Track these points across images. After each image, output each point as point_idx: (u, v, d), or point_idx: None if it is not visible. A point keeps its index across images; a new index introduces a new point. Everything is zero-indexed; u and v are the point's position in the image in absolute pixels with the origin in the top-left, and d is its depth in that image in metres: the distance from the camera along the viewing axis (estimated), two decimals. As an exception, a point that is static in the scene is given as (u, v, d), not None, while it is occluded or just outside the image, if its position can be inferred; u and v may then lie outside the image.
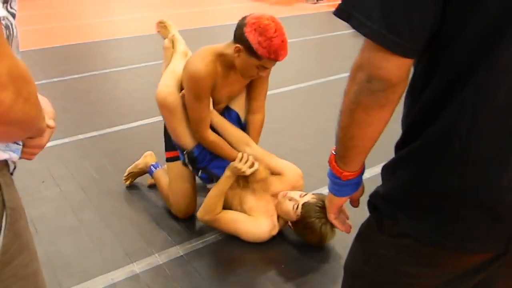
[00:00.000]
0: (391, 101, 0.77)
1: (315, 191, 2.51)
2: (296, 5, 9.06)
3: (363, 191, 1.02)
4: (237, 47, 1.89)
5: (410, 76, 0.79)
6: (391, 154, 0.89)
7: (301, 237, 2.04)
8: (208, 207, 2.07)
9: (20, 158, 0.77)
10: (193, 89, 1.99)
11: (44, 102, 0.84)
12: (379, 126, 0.81)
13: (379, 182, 0.92)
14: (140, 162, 2.57)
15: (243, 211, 2.11)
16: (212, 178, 2.21)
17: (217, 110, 2.21)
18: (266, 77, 2.16)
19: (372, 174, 2.46)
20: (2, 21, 0.58)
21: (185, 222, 2.27)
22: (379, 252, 0.90)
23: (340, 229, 1.10)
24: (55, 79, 4.52)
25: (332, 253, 2.04)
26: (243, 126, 2.30)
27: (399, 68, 0.72)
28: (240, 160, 2.04)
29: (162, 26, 2.62)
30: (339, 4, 0.76)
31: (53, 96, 4.04)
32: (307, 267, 1.97)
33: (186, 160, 2.20)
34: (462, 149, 0.74)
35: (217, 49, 2.00)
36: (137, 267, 1.96)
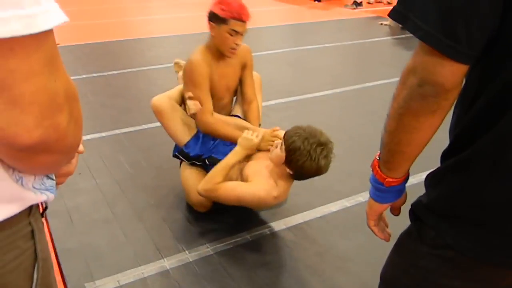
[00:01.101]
0: (443, 107, 0.74)
1: (348, 198, 2.48)
2: (333, 9, 8.98)
3: (405, 199, 0.99)
4: (209, 25, 2.22)
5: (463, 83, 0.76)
6: (435, 163, 0.86)
7: (299, 174, 1.96)
8: (210, 176, 2.07)
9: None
10: (191, 77, 2.24)
11: None
12: (428, 132, 0.79)
13: (420, 191, 0.89)
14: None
15: (242, 179, 2.13)
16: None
17: (219, 109, 2.41)
18: (250, 65, 2.46)
19: (414, 183, 2.38)
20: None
21: (216, 221, 2.28)
22: (420, 263, 0.87)
23: (380, 237, 1.07)
24: (94, 74, 4.63)
25: (364, 258, 2.00)
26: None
27: (453, 74, 0.70)
28: (247, 134, 2.14)
29: (177, 65, 3.09)
30: (395, 6, 0.74)
31: (92, 91, 4.15)
32: (335, 269, 1.93)
33: (180, 155, 2.40)
34: None
35: (204, 44, 2.31)
36: (168, 263, 1.98)
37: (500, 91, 0.71)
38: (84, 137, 3.19)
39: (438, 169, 0.84)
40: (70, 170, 0.75)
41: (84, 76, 4.56)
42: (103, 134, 3.28)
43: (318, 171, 1.94)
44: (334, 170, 2.51)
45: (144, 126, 3.42)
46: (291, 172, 1.97)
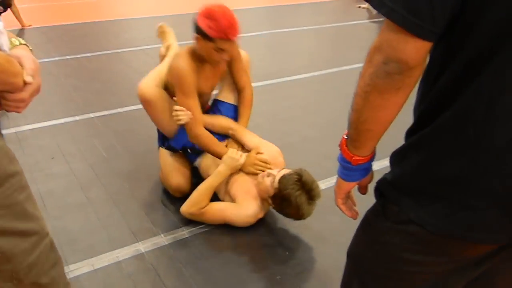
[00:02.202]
0: (407, 84, 0.75)
1: (324, 181, 2.51)
2: (312, -8, 8.94)
3: (372, 178, 1.00)
4: (195, 36, 2.09)
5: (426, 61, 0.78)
6: (390, 148, 0.88)
7: (280, 212, 2.02)
8: (195, 199, 2.07)
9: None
10: (180, 87, 2.15)
11: (26, 59, 0.88)
12: (393, 110, 0.80)
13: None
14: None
15: (229, 199, 2.14)
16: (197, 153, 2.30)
17: (204, 103, 2.36)
18: (238, 57, 2.34)
19: (381, 167, 2.42)
20: None
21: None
22: (383, 238, 0.89)
23: (347, 215, 1.09)
24: (68, 57, 4.52)
25: (337, 239, 2.03)
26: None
27: (417, 51, 0.71)
28: (232, 153, 2.13)
29: (161, 32, 2.86)
30: None
31: (65, 74, 4.06)
32: (303, 249, 1.97)
33: (165, 143, 2.38)
34: (476, 136, 0.73)
35: (189, 47, 2.18)
36: (143, 246, 1.97)
37: (461, 68, 0.73)
38: (57, 121, 3.15)
39: (402, 146, 0.86)
40: (22, 97, 0.87)
41: (57, 58, 4.45)
42: (77, 117, 3.22)
43: (297, 219, 2.00)
44: (310, 152, 2.53)
45: (119, 110, 3.37)
46: (272, 205, 2.03)
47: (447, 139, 0.76)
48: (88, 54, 4.64)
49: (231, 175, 2.16)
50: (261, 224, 2.14)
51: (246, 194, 2.09)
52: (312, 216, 2.22)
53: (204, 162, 2.29)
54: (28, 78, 0.86)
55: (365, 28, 6.22)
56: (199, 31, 2.05)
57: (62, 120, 3.17)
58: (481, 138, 0.73)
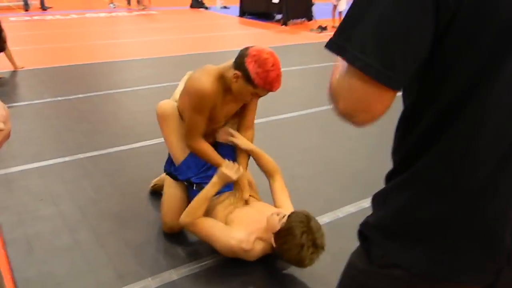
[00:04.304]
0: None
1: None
2: (300, 33, 9.20)
3: None
4: (236, 73, 2.05)
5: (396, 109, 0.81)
6: (379, 187, 0.90)
7: (281, 252, 1.97)
8: (190, 209, 2.11)
9: None
10: (196, 103, 2.12)
11: None
12: None
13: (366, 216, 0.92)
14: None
15: (225, 222, 2.13)
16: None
17: (214, 130, 2.35)
18: (256, 100, 2.33)
19: (358, 208, 2.46)
20: None
21: (181, 245, 2.26)
22: (369, 283, 0.89)
23: None
24: (59, 98, 4.56)
25: (322, 280, 2.02)
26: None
27: (389, 101, 0.72)
28: (227, 167, 2.16)
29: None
30: (331, 38, 0.75)
31: (57, 115, 4.08)
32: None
33: (172, 170, 2.37)
34: (454, 179, 0.75)
35: (219, 70, 2.15)
36: (130, 290, 1.94)
37: (436, 116, 0.76)
38: (47, 162, 3.14)
39: (383, 189, 0.88)
40: None
41: (48, 99, 4.48)
42: (67, 158, 3.22)
43: (298, 264, 1.97)
44: (298, 190, 2.54)
45: (109, 150, 3.38)
46: (274, 245, 2.00)
47: (426, 183, 0.78)
48: (80, 95, 4.69)
49: (237, 206, 2.18)
50: (254, 270, 2.13)
51: (241, 223, 2.08)
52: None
53: (213, 204, 2.23)
54: (4, 126, 0.85)
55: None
56: (244, 72, 2.01)
57: (52, 161, 3.16)
58: (460, 181, 0.75)
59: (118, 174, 3.01)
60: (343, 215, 2.54)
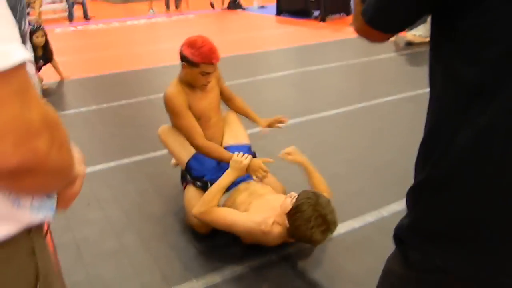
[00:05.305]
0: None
1: (356, 219, 2.45)
2: (338, 29, 9.05)
3: None
4: (182, 64, 2.36)
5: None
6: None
7: (293, 231, 1.97)
8: (205, 198, 2.14)
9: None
10: (172, 108, 2.39)
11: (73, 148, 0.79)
12: None
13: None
14: None
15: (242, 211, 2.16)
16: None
17: (213, 124, 2.55)
18: (221, 81, 2.65)
19: (405, 207, 2.33)
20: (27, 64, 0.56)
21: (224, 248, 2.27)
22: None
23: None
24: (104, 105, 4.71)
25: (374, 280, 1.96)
26: (253, 154, 2.59)
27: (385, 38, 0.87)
28: (237, 155, 2.24)
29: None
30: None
31: (102, 122, 4.22)
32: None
33: (185, 172, 2.52)
34: (496, 176, 0.70)
35: (177, 77, 2.46)
36: (175, 292, 1.97)
37: (469, 97, 0.72)
38: (93, 168, 3.25)
39: (414, 186, 0.83)
40: (75, 191, 0.78)
41: (94, 107, 4.64)
42: (112, 163, 3.31)
43: (310, 241, 1.97)
44: (339, 190, 2.49)
45: (153, 154, 3.45)
46: (287, 225, 2.00)
47: (465, 180, 0.73)
48: (123, 102, 4.82)
49: (254, 198, 2.20)
50: (294, 266, 2.11)
51: (258, 209, 2.12)
52: (346, 257, 2.17)
53: (230, 200, 2.28)
54: (82, 169, 0.78)
55: (392, 61, 6.21)
56: (184, 59, 2.33)
57: (99, 167, 3.27)
58: (499, 179, 0.70)
59: (160, 177, 3.07)
60: (387, 214, 2.47)
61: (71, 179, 0.73)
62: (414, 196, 0.83)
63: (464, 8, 0.69)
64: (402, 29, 0.83)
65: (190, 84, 2.42)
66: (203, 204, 2.13)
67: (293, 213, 1.96)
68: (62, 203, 0.76)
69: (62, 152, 0.59)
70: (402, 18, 0.81)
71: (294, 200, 2.00)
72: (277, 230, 2.03)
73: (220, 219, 2.10)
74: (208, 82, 2.39)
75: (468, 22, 0.69)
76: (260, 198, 2.22)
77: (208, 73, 2.33)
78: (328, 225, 1.92)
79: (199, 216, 2.14)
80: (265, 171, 2.25)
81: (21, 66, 0.53)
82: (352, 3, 0.90)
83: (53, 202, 0.72)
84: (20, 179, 0.57)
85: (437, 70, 0.78)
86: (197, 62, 2.28)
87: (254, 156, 2.55)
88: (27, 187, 0.61)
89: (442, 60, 0.76)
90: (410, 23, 0.81)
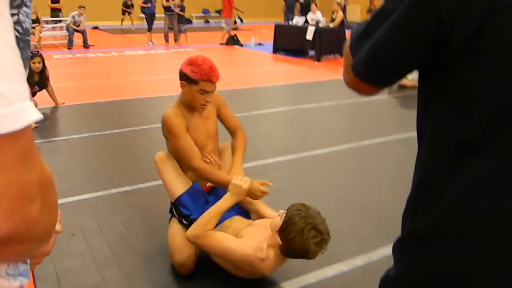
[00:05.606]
0: None
1: (347, 261, 2.41)
2: (333, 69, 9.22)
3: None
4: (181, 83, 2.35)
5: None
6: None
7: (286, 244, 1.92)
8: (200, 222, 2.07)
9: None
10: (170, 129, 2.36)
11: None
12: None
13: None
14: None
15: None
16: None
17: (208, 154, 2.46)
18: (223, 104, 2.60)
19: (386, 254, 2.32)
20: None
21: (210, 285, 2.20)
22: None
23: None
24: (96, 133, 4.69)
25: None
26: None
27: (375, 91, 0.86)
28: (236, 179, 2.18)
29: None
30: (352, 41, 0.85)
31: (93, 150, 4.19)
32: None
33: (173, 208, 2.45)
34: (482, 232, 0.70)
35: (176, 101, 2.46)
36: (155, 332, 1.89)
37: (455, 151, 0.72)
38: (80, 197, 3.19)
39: (401, 238, 0.83)
40: (48, 250, 0.74)
41: (86, 134, 4.62)
42: (99, 193, 3.26)
43: (305, 253, 1.92)
44: (330, 230, 2.44)
45: (141, 185, 3.41)
46: (280, 243, 1.95)
47: (450, 235, 0.72)
48: (116, 130, 4.81)
49: (243, 228, 2.16)
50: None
51: (250, 236, 2.07)
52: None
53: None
54: (59, 227, 0.73)
55: (384, 102, 6.29)
56: (184, 77, 2.32)
57: (85, 196, 3.22)
58: (488, 234, 0.69)
59: (147, 209, 3.02)
60: (377, 258, 2.43)
61: (49, 239, 0.67)
62: (400, 248, 0.82)
63: (455, 63, 0.69)
64: (391, 82, 0.82)
65: (188, 106, 2.39)
66: (198, 227, 2.06)
67: (284, 227, 1.92)
68: (33, 262, 0.72)
69: (50, 215, 0.56)
70: (392, 71, 0.80)
71: (283, 215, 1.97)
72: (272, 253, 1.97)
73: (217, 244, 2.02)
74: (207, 102, 2.35)
75: (458, 79, 0.69)
76: (249, 227, 2.18)
77: (207, 92, 2.30)
78: (322, 235, 1.89)
79: (193, 240, 2.07)
80: (264, 193, 2.24)
81: (30, 126, 0.51)
82: (344, 53, 0.90)
83: (27, 266, 0.68)
84: (5, 247, 0.53)
85: (425, 123, 0.78)
86: (197, 79, 2.27)
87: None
88: (10, 254, 0.56)
89: (429, 114, 0.77)
90: (400, 77, 0.81)
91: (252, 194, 2.23)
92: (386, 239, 2.55)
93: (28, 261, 0.68)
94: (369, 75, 0.80)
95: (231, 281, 2.21)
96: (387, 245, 2.51)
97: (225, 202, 2.14)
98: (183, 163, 2.45)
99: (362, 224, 2.85)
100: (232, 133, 2.62)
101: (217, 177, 2.32)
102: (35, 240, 0.55)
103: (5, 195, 0.48)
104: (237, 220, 2.29)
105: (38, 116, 0.51)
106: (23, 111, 0.49)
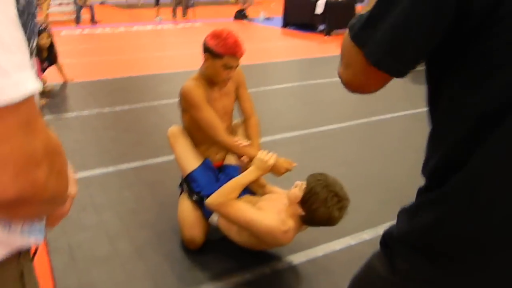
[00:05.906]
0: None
1: (353, 236, 2.43)
2: (344, 43, 9.09)
3: None
4: (204, 56, 2.30)
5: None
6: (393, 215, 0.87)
7: (311, 216, 1.94)
8: (223, 190, 2.05)
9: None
10: (192, 102, 2.30)
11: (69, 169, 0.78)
12: None
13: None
14: None
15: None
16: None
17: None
18: (244, 84, 2.53)
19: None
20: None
21: (218, 259, 2.25)
22: None
23: None
24: (106, 109, 4.72)
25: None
26: None
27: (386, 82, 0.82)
28: (262, 153, 2.15)
29: None
30: (356, 30, 0.81)
31: (103, 126, 4.22)
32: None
33: (184, 184, 2.46)
34: (488, 201, 0.71)
35: (197, 73, 2.41)
36: (166, 303, 1.95)
37: (470, 127, 0.72)
38: (91, 172, 3.24)
39: (412, 204, 0.85)
40: (64, 211, 0.78)
41: (95, 111, 4.65)
42: (110, 169, 3.31)
43: (329, 220, 1.94)
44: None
45: (151, 161, 3.45)
46: (302, 213, 1.96)
47: (460, 201, 0.74)
48: (126, 107, 4.83)
49: (257, 201, 2.18)
50: (285, 281, 2.08)
51: (272, 207, 2.07)
52: (340, 274, 2.16)
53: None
54: (73, 191, 0.78)
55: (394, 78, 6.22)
56: (208, 50, 2.27)
57: (97, 171, 3.26)
58: (494, 204, 0.71)
59: (158, 185, 3.06)
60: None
61: (63, 202, 0.72)
62: (410, 211, 0.84)
63: (474, 34, 0.68)
64: (410, 68, 0.77)
65: (209, 80, 2.34)
66: (221, 195, 2.04)
67: (307, 198, 1.93)
68: (50, 223, 0.77)
69: (59, 179, 0.59)
70: (415, 52, 0.75)
71: (302, 186, 1.98)
72: (291, 223, 1.99)
73: (240, 213, 2.00)
74: (230, 78, 2.31)
75: (477, 49, 0.69)
76: (261, 201, 2.19)
77: (231, 67, 2.26)
78: (342, 200, 1.92)
79: (215, 208, 2.04)
80: (288, 170, 2.24)
81: (31, 95, 0.52)
82: (343, 49, 0.83)
83: (42, 225, 0.72)
84: (15, 209, 0.56)
85: (438, 99, 0.78)
86: (221, 53, 2.21)
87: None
88: (22, 215, 0.61)
89: (444, 89, 0.76)
90: (418, 61, 0.76)
91: (276, 170, 2.20)
92: (393, 213, 2.55)
93: (44, 219, 0.73)
94: (389, 61, 0.75)
95: (239, 256, 2.26)
96: (394, 219, 2.53)
97: (249, 174, 2.11)
98: (198, 137, 2.44)
99: (370, 199, 2.87)
100: (246, 118, 2.54)
101: (243, 150, 2.29)
102: (44, 202, 0.58)
103: (10, 161, 0.51)
104: (248, 197, 2.30)
105: (37, 86, 0.53)
106: (21, 82, 0.51)
